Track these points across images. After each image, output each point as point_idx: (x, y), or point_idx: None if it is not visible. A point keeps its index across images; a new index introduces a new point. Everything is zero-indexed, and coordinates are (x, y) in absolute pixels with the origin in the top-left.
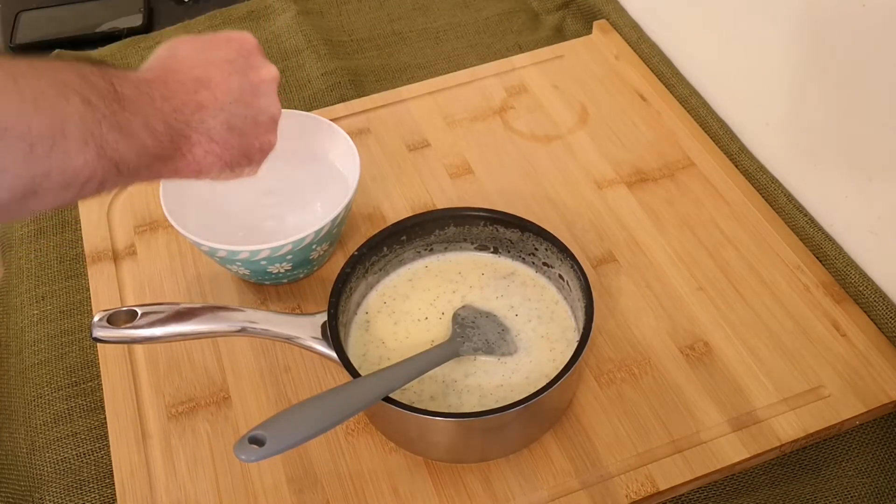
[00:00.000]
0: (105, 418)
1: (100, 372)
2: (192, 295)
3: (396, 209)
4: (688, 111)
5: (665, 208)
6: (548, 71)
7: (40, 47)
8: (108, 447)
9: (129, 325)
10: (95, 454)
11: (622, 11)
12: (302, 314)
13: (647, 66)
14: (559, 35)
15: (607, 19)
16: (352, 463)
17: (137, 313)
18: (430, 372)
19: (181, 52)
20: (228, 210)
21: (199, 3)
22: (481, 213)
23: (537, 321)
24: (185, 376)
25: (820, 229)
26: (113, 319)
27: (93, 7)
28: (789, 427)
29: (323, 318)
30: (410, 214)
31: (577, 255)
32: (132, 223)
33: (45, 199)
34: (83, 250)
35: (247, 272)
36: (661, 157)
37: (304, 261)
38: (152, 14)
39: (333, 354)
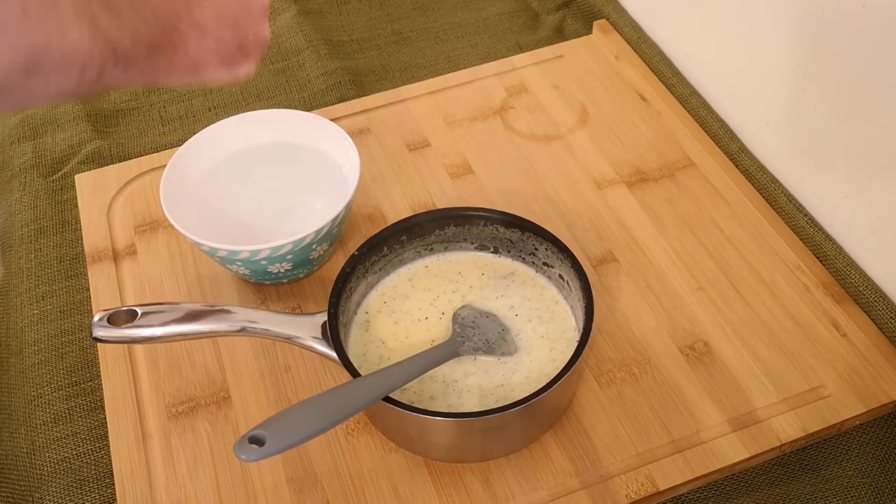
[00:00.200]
0: (105, 418)
1: (100, 372)
2: (193, 295)
3: (396, 209)
4: (688, 111)
5: (665, 208)
6: (548, 71)
7: None
8: (108, 447)
9: (129, 324)
10: (95, 454)
11: (622, 11)
12: (302, 314)
13: (648, 66)
14: (559, 35)
15: (607, 19)
16: (352, 463)
17: (137, 313)
18: (430, 372)
19: None
20: (228, 210)
21: None
22: (481, 213)
23: (537, 321)
24: (185, 376)
25: (820, 229)
26: (113, 319)
27: None
28: (789, 427)
29: (323, 317)
30: (410, 214)
31: (577, 255)
32: (132, 223)
33: (47, 78)
34: (83, 250)
35: (247, 272)
36: (661, 157)
37: (304, 261)
38: None
39: (333, 354)
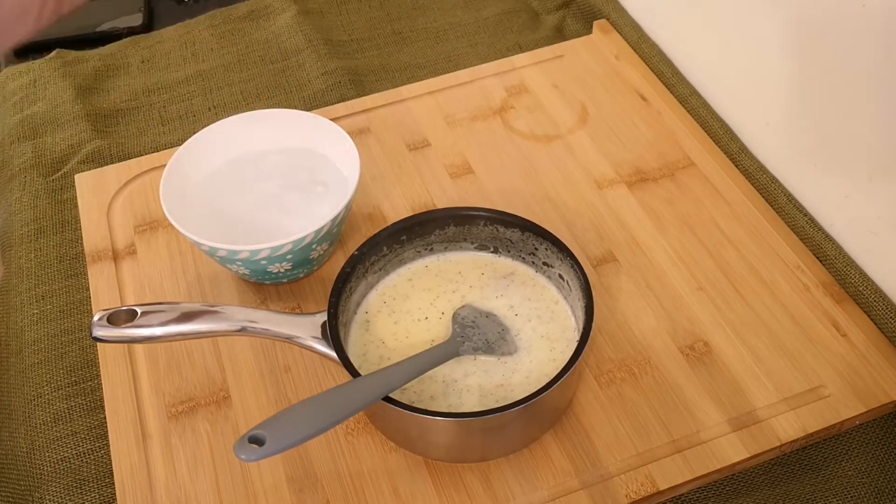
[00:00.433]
0: (105, 418)
1: (100, 371)
2: (192, 295)
3: (396, 209)
4: (688, 111)
5: (665, 208)
6: (548, 71)
7: (40, 47)
8: (108, 447)
9: (128, 324)
10: (95, 453)
11: (622, 11)
12: (302, 314)
13: (648, 65)
14: (559, 35)
15: (607, 19)
16: (352, 463)
17: (137, 313)
18: (430, 372)
19: None
20: (228, 210)
21: (200, 2)
22: (481, 213)
23: (537, 321)
24: (185, 376)
25: (820, 229)
26: (113, 319)
27: (93, 7)
28: (789, 427)
29: (323, 317)
30: (410, 214)
31: (577, 255)
32: (132, 222)
33: None
34: (83, 250)
35: (247, 272)
36: (661, 156)
37: (304, 260)
38: (152, 14)
39: (333, 354)
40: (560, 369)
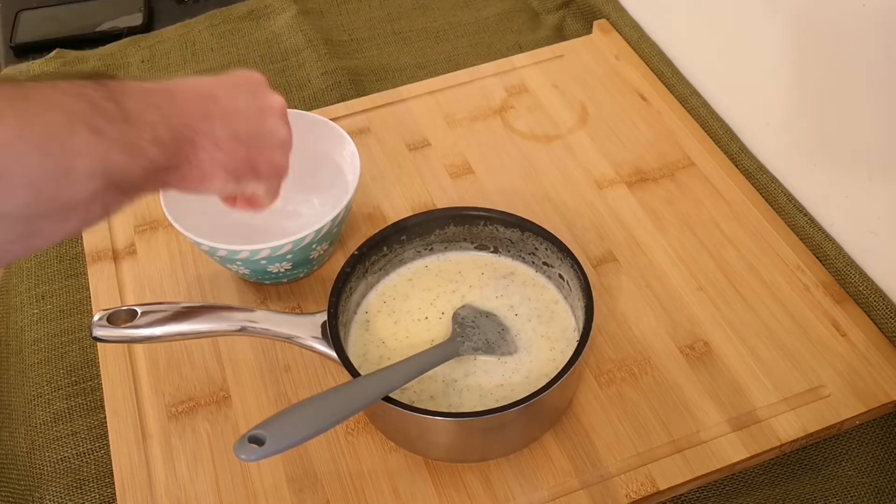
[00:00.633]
0: (105, 417)
1: (100, 371)
2: (192, 294)
3: (396, 209)
4: (688, 111)
5: (665, 208)
6: (548, 71)
7: (40, 47)
8: (108, 446)
9: (129, 324)
10: (95, 453)
11: (622, 11)
12: (302, 314)
13: (648, 65)
14: (559, 35)
15: (607, 19)
16: (352, 462)
17: (137, 313)
18: (430, 371)
19: (184, 79)
20: (228, 210)
21: (200, 2)
22: (481, 213)
23: (537, 321)
24: (185, 376)
25: (820, 229)
26: (113, 319)
27: (93, 6)
28: (789, 427)
29: (323, 317)
30: (410, 214)
31: (577, 255)
32: (132, 222)
33: (44, 237)
34: (83, 249)
35: (247, 272)
36: (661, 156)
37: (304, 260)
38: (152, 13)
39: (333, 354)
40: (560, 369)
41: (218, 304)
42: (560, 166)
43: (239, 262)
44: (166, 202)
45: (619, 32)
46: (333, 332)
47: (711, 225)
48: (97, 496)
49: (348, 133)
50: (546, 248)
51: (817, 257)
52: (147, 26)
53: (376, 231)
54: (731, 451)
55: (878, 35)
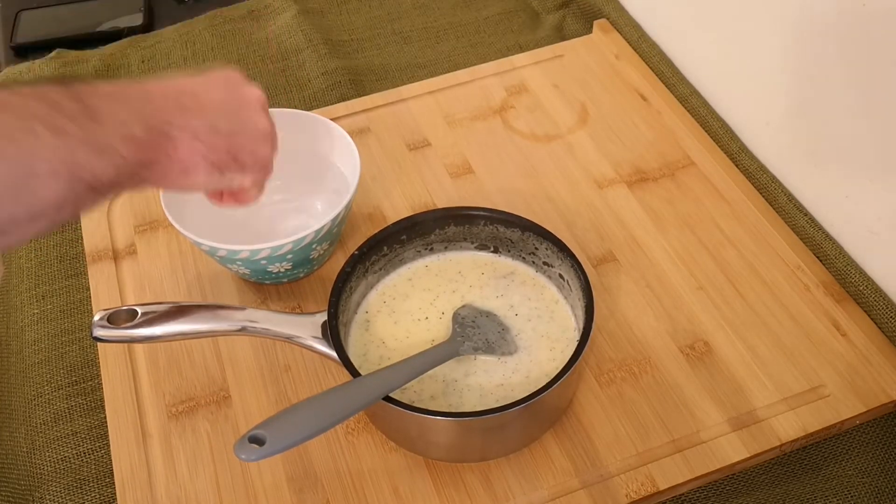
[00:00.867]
0: (105, 417)
1: (100, 371)
2: (193, 294)
3: (396, 208)
4: (688, 111)
5: (665, 208)
6: (548, 70)
7: (40, 47)
8: (109, 446)
9: (129, 324)
10: (95, 453)
11: (622, 11)
12: (302, 313)
13: (648, 65)
14: (559, 34)
15: (607, 19)
16: (352, 462)
17: (137, 312)
18: (431, 371)
19: (158, 78)
20: (228, 209)
21: (200, 2)
22: (482, 213)
23: (537, 320)
24: (185, 375)
25: (820, 229)
26: (113, 319)
27: (93, 6)
28: (789, 427)
29: (323, 317)
30: (410, 214)
31: (577, 255)
32: (132, 222)
33: (14, 236)
34: (83, 249)
35: (247, 271)
36: (661, 156)
37: (305, 260)
38: (152, 13)
39: (333, 354)
40: (560, 369)
41: (218, 304)
42: (560, 166)
43: (239, 262)
44: (166, 202)
45: (619, 32)
46: (333, 332)
47: (711, 225)
48: (97, 496)
49: (348, 133)
50: (546, 248)
51: (817, 257)
52: (147, 26)
53: (376, 231)
54: (731, 450)
55: (877, 35)
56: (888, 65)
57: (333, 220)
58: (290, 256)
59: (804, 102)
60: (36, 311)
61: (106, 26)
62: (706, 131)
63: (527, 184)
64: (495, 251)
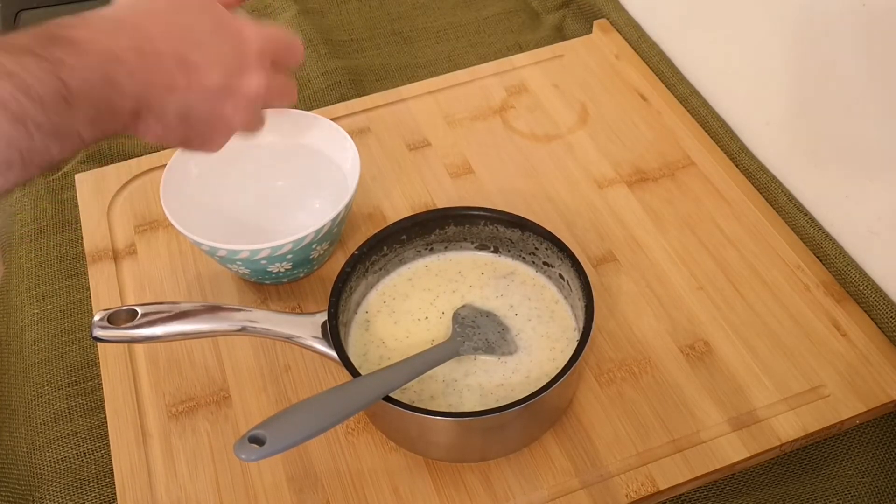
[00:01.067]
0: (105, 417)
1: (100, 371)
2: (193, 294)
3: (396, 208)
4: (688, 111)
5: (665, 208)
6: (548, 70)
7: None
8: (109, 446)
9: (129, 324)
10: (96, 453)
11: (622, 11)
12: (302, 313)
13: (648, 65)
14: (559, 34)
15: (607, 19)
16: (352, 462)
17: (138, 313)
18: (431, 371)
19: (177, 16)
20: (228, 209)
21: None
22: (482, 213)
23: (537, 320)
24: (185, 375)
25: (820, 229)
26: (113, 319)
27: (93, 6)
28: (789, 427)
29: (323, 317)
30: (410, 214)
31: (577, 255)
32: (132, 222)
33: None
34: (83, 249)
35: (247, 271)
36: (661, 156)
37: (305, 260)
38: None
39: (334, 354)
40: (560, 369)
41: (218, 304)
42: (560, 166)
43: (239, 262)
44: (167, 202)
45: (619, 32)
46: (333, 332)
47: (711, 225)
48: (97, 496)
49: (348, 133)
50: (546, 248)
51: (817, 257)
52: None
53: (376, 231)
54: (731, 450)
55: (878, 35)
56: (888, 65)
57: (333, 220)
58: (290, 256)
59: (804, 102)
60: (36, 311)
61: None
62: (706, 131)
63: (527, 184)
64: (495, 251)
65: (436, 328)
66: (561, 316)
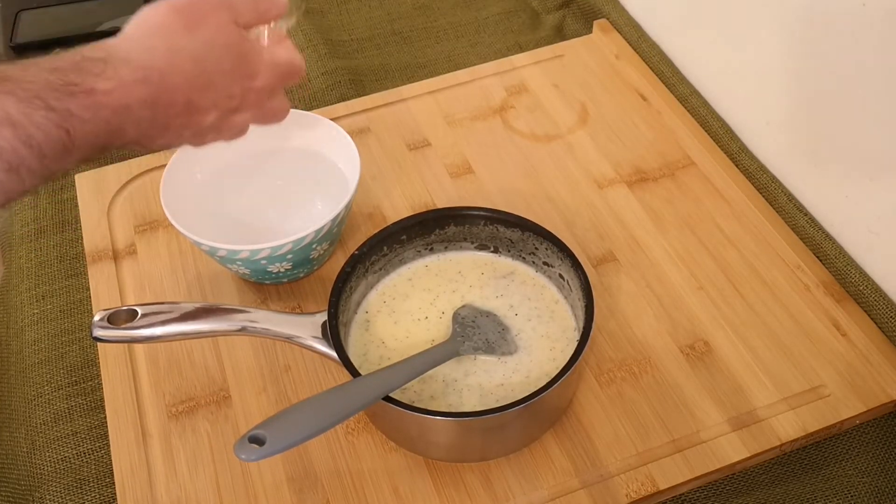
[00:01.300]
0: (105, 417)
1: (100, 371)
2: (193, 294)
3: (397, 208)
4: (688, 110)
5: (665, 208)
6: (548, 70)
7: (40, 46)
8: (109, 446)
9: (129, 324)
10: (96, 453)
11: (622, 11)
12: (302, 314)
13: (648, 65)
14: (559, 34)
15: (607, 19)
16: (352, 462)
17: (137, 313)
18: (431, 371)
19: (204, 62)
20: (228, 209)
21: None
22: (482, 213)
23: (537, 320)
24: (185, 375)
25: (820, 229)
26: (113, 319)
27: (93, 6)
28: (789, 426)
29: (323, 317)
30: (410, 214)
31: (577, 255)
32: (132, 222)
33: None
34: (83, 249)
35: (247, 271)
36: (661, 156)
37: (305, 260)
38: None
39: (334, 354)
40: (560, 369)
41: (218, 304)
42: (560, 166)
43: (239, 262)
44: (167, 202)
45: (619, 32)
46: (333, 332)
47: (711, 225)
48: (97, 496)
49: (348, 133)
50: (546, 248)
51: (817, 257)
52: None
53: (376, 231)
54: (731, 450)
55: (878, 35)
56: (888, 65)
57: (333, 220)
58: (290, 256)
59: (804, 102)
60: (36, 311)
61: (106, 26)
62: (706, 131)
63: (527, 184)
64: (495, 251)
65: (436, 328)
66: (561, 316)
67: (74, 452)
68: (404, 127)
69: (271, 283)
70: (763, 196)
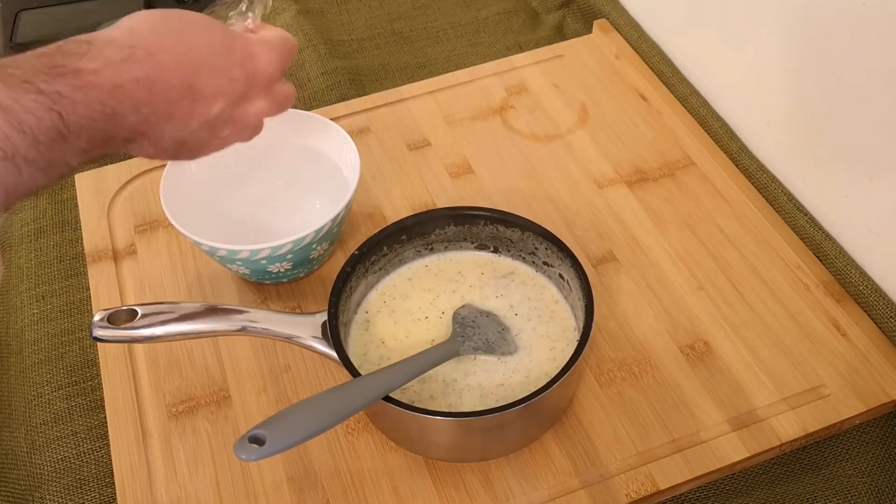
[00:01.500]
0: (105, 417)
1: (100, 371)
2: (193, 294)
3: (396, 208)
4: (688, 110)
5: (665, 207)
6: (548, 70)
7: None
8: (109, 446)
9: (129, 324)
10: (96, 453)
11: (622, 11)
12: (302, 313)
13: (648, 65)
14: (559, 34)
15: (607, 18)
16: (352, 462)
17: (137, 313)
18: (431, 371)
19: (183, 47)
20: (228, 209)
21: (199, 2)
22: (482, 213)
23: (537, 320)
24: (185, 375)
25: (820, 229)
26: (113, 319)
27: (93, 6)
28: (789, 426)
29: (323, 317)
30: (410, 213)
31: (577, 255)
32: (132, 222)
33: None
34: (83, 249)
35: (247, 271)
36: (661, 156)
37: (305, 260)
38: None
39: (334, 354)
40: (560, 369)
41: (218, 304)
42: (560, 166)
43: (239, 262)
44: (167, 202)
45: (619, 32)
46: (333, 332)
47: (711, 225)
48: (97, 496)
49: (348, 133)
50: (546, 248)
51: (817, 257)
52: None
53: (376, 231)
54: (731, 450)
55: (878, 35)
56: (888, 65)
57: (333, 220)
58: (290, 256)
59: (804, 102)
60: (36, 311)
61: (106, 26)
62: (706, 131)
63: (527, 184)
64: (495, 251)
65: (436, 328)
66: (561, 316)
67: (74, 452)
68: (404, 127)
69: (271, 283)
70: (763, 196)
